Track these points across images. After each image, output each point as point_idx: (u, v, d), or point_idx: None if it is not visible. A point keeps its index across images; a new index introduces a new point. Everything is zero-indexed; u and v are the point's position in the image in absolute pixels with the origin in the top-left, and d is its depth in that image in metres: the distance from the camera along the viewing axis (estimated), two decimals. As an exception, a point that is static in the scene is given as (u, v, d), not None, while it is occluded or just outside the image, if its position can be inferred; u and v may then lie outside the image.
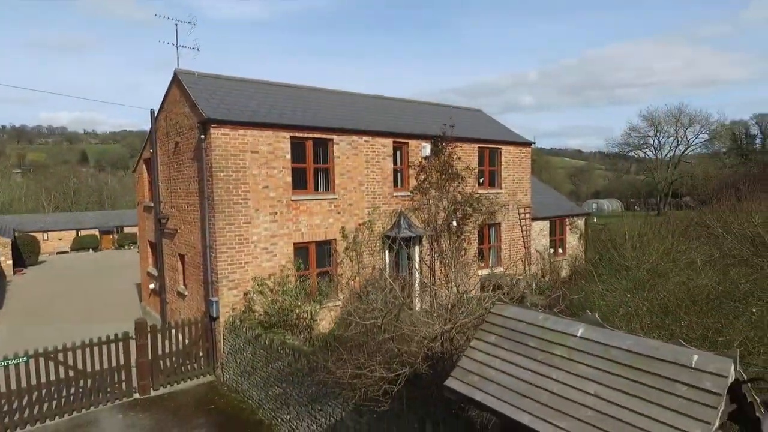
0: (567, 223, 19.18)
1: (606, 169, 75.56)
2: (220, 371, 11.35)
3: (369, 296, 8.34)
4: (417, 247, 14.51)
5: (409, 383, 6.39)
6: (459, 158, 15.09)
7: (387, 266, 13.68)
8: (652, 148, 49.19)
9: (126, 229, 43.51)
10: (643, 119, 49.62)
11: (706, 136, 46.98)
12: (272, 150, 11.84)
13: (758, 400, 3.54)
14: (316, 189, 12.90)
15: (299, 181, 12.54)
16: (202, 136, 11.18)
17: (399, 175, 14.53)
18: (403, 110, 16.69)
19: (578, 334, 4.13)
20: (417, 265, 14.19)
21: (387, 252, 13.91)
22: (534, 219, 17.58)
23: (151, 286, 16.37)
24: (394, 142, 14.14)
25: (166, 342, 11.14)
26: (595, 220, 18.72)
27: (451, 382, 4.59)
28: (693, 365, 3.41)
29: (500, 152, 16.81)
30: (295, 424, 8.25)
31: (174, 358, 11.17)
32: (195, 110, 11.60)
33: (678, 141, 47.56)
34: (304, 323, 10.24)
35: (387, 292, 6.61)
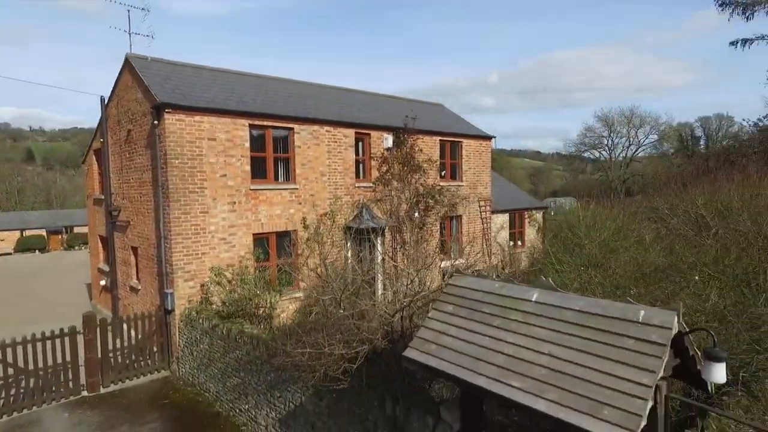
0: (526, 216, 19.64)
1: (563, 170, 78.06)
2: (175, 366, 10.94)
3: (329, 278, 8.24)
4: (380, 239, 14.48)
5: (369, 362, 6.33)
6: (421, 150, 15.18)
7: (349, 257, 13.59)
8: (607, 148, 51.29)
9: (76, 229, 41.48)
10: (598, 120, 51.65)
11: (656, 137, 49.50)
12: (230, 138, 11.53)
13: (699, 353, 3.69)
14: (276, 179, 12.66)
15: (259, 171, 12.28)
16: (156, 122, 10.76)
17: (361, 166, 14.47)
18: (365, 102, 16.65)
19: (533, 299, 4.19)
20: (379, 256, 14.16)
21: (349, 243, 13.82)
22: (494, 212, 17.90)
23: (102, 282, 15.63)
24: (356, 133, 14.07)
25: (117, 337, 10.64)
26: (552, 213, 19.24)
27: (409, 352, 4.57)
28: (640, 320, 3.51)
29: (461, 145, 17.03)
30: (253, 413, 8.03)
31: (126, 354, 10.68)
32: (148, 95, 11.16)
33: (630, 141, 49.85)
34: (264, 313, 10.02)
35: (348, 271, 6.55)
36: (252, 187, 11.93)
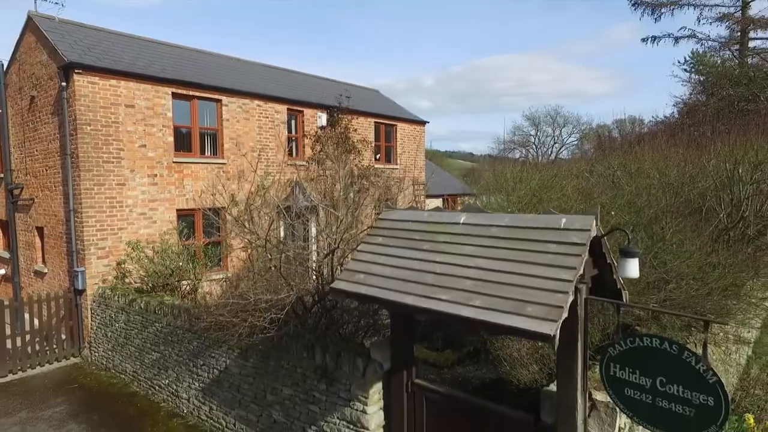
0: (458, 200, 20.12)
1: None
2: (87, 351, 10.01)
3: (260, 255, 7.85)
4: (314, 219, 14.17)
5: (298, 316, 6.10)
6: (355, 130, 15.07)
7: (282, 236, 13.16)
8: (534, 146, 54.03)
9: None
10: (526, 119, 54.36)
11: (578, 136, 52.84)
12: (151, 106, 10.78)
13: (615, 263, 3.82)
14: (203, 152, 12.01)
15: (183, 143, 11.58)
16: (64, 84, 9.82)
17: (294, 144, 14.11)
18: (298, 81, 16.28)
19: (461, 221, 4.18)
20: (313, 236, 13.85)
21: (282, 223, 13.39)
22: (428, 196, 18.15)
23: (2, 271, 14.05)
24: (288, 110, 13.69)
25: (18, 323, 9.55)
26: (484, 198, 19.84)
27: (337, 284, 4.41)
28: (561, 226, 3.58)
29: (396, 129, 17.12)
30: (174, 387, 7.49)
31: (28, 341, 9.61)
32: (55, 56, 10.17)
33: (555, 140, 52.87)
34: (188, 288, 9.41)
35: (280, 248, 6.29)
36: (175, 159, 11.23)
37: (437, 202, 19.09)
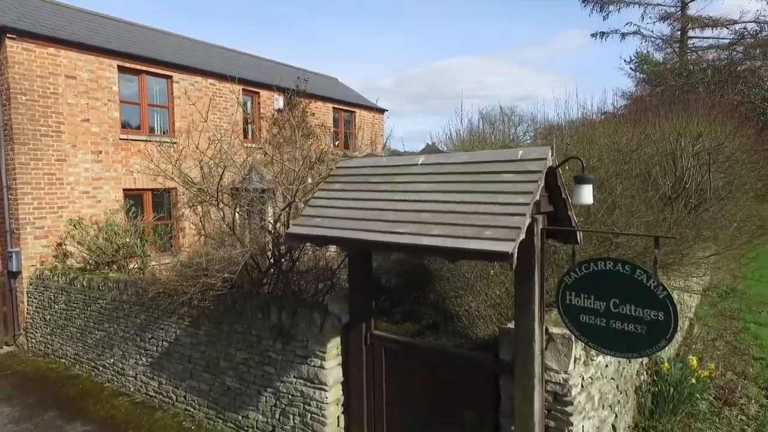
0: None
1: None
2: (23, 338, 9.31)
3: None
4: (270, 203, 13.84)
5: (252, 279, 5.89)
6: (313, 114, 14.83)
7: (237, 219, 12.77)
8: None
9: None
10: (482, 117, 55.65)
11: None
12: (95, 78, 10.19)
13: (569, 199, 3.87)
14: (152, 131, 11.47)
15: (131, 119, 11.03)
16: (-4, 50, 9.12)
17: (250, 126, 13.74)
18: (254, 64, 15.89)
19: (419, 162, 4.13)
20: (270, 221, 13.54)
21: (237, 206, 12.99)
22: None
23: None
24: (244, 90, 13.32)
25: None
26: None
27: (293, 229, 4.26)
28: (519, 158, 3.59)
29: (355, 116, 17.02)
30: (120, 365, 7.06)
31: (-46, 326, 8.84)
32: (-15, 20, 9.43)
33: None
34: (136, 268, 8.92)
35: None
36: (122, 136, 10.67)
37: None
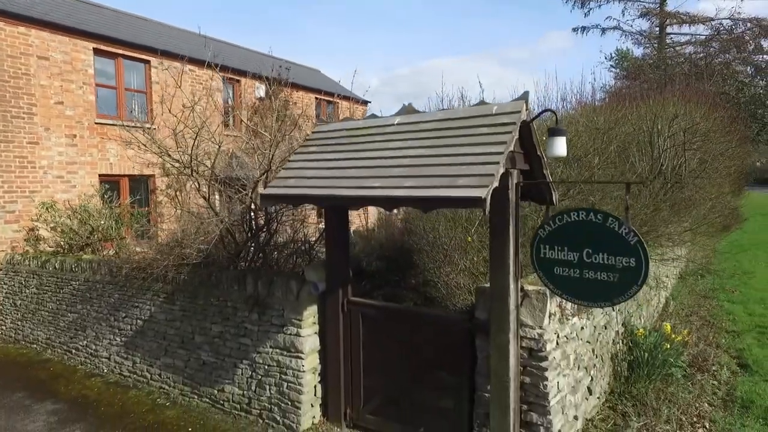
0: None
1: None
2: (-7, 326, 9.03)
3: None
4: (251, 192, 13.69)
5: (229, 254, 5.81)
6: (295, 104, 14.72)
7: (217, 206, 12.61)
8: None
9: None
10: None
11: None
12: (69, 60, 9.96)
13: (545, 156, 3.88)
14: (130, 116, 11.24)
15: (108, 104, 10.80)
16: (-36, 28, 8.85)
17: (231, 114, 13.57)
18: (236, 53, 15.71)
19: (395, 122, 4.10)
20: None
21: (217, 195, 12.82)
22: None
23: None
24: (224, 78, 13.14)
25: None
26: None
27: (268, 191, 4.20)
28: (493, 112, 3.58)
29: (338, 107, 16.94)
30: (94, 347, 6.89)
31: None
32: (-46, -2, 9.15)
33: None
34: (111, 251, 8.72)
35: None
36: (98, 120, 10.44)
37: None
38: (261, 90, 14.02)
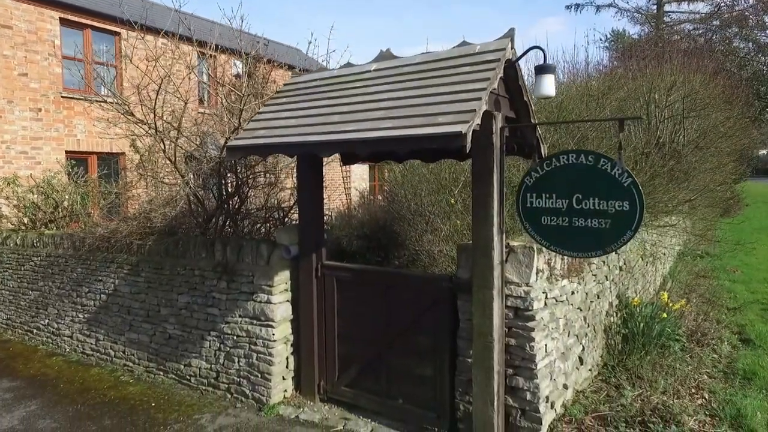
0: (386, 169, 19.93)
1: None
2: (-49, 308, 8.52)
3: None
4: (228, 174, 13.26)
5: (198, 222, 5.47)
6: (275, 82, 14.29)
7: (191, 186, 12.17)
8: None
9: None
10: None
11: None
12: (34, 30, 9.43)
13: (531, 102, 3.62)
14: (99, 90, 10.73)
15: (75, 77, 10.26)
16: None
17: (206, 92, 13.07)
18: (213, 29, 15.14)
19: (372, 69, 3.80)
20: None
21: (192, 175, 12.38)
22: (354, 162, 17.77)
23: None
24: (199, 53, 12.61)
25: None
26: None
27: (234, 142, 3.90)
28: (477, 51, 3.31)
29: (320, 88, 16.55)
30: (55, 325, 6.49)
31: None
32: None
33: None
34: (79, 228, 8.26)
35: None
36: (65, 94, 9.94)
37: (363, 169, 18.78)
38: (238, 66, 13.55)
